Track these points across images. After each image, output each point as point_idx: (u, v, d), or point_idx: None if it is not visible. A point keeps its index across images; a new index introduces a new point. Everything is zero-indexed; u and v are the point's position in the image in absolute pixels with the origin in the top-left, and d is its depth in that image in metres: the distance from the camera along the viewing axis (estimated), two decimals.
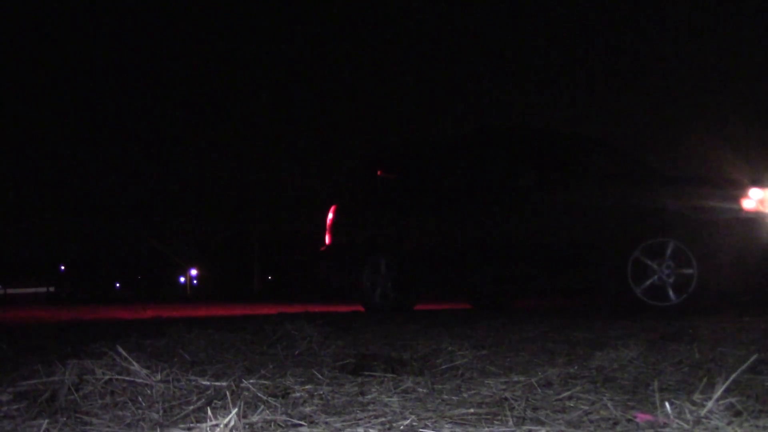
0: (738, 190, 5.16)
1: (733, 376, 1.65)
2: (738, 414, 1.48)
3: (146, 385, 1.82)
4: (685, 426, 1.40)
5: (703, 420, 1.42)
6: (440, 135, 7.52)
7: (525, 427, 1.47)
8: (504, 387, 1.85)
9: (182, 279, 53.30)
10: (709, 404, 1.46)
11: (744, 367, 1.87)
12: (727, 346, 2.61)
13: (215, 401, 1.72)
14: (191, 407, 1.67)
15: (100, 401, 1.76)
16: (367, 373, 2.13)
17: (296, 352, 2.86)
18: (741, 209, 5.07)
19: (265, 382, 1.91)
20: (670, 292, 5.20)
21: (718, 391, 1.49)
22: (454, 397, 1.77)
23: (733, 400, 1.51)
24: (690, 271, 5.11)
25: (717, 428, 1.39)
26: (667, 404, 1.48)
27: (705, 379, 1.86)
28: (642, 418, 1.49)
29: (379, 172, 7.40)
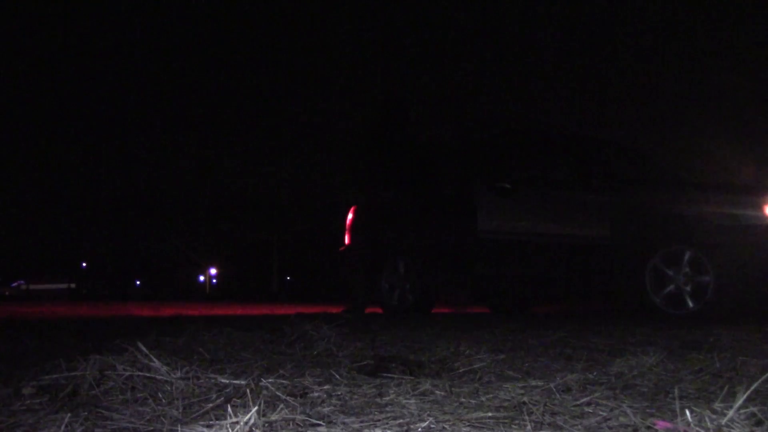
0: (760, 196, 5.11)
1: (755, 385, 1.63)
2: (759, 423, 1.47)
3: (166, 381, 1.83)
4: None
5: (724, 429, 1.41)
6: (460, 136, 7.50)
7: None
8: (522, 391, 1.85)
9: (201, 278, 53.62)
10: (730, 413, 1.45)
11: (765, 376, 1.85)
12: (748, 355, 2.58)
13: (234, 399, 1.74)
14: (211, 405, 1.68)
15: (120, 397, 1.78)
16: (385, 374, 2.14)
17: (314, 353, 2.87)
18: (763, 216, 5.01)
19: (284, 381, 1.92)
20: (688, 300, 5.16)
21: (739, 400, 1.48)
22: (472, 401, 1.77)
23: (754, 409, 1.50)
24: (707, 278, 5.06)
25: None
26: (687, 412, 1.47)
27: (726, 388, 1.85)
28: (662, 425, 1.48)
29: None
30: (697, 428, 1.42)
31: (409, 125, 6.32)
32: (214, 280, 53.26)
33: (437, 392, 1.87)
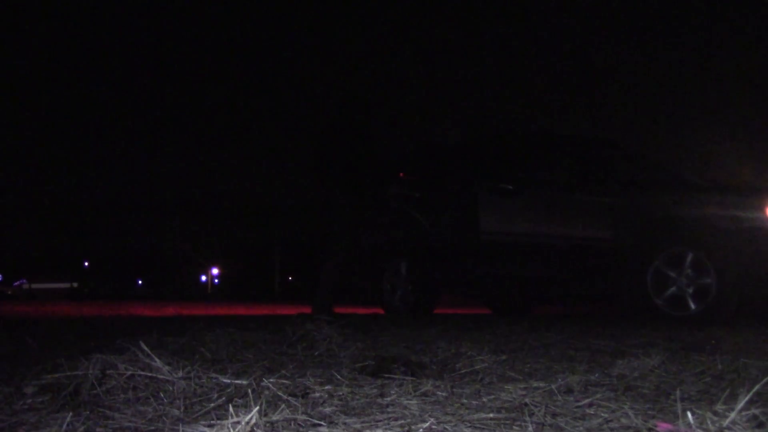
0: (762, 198, 5.10)
1: (757, 387, 1.63)
2: (761, 425, 1.47)
3: (168, 381, 1.83)
4: None
5: (725, 431, 1.41)
6: (462, 137, 7.48)
7: None
8: (524, 392, 1.85)
9: (204, 278, 53.64)
10: (732, 415, 1.45)
11: (767, 378, 1.85)
12: (750, 357, 2.58)
13: (236, 399, 1.74)
14: (212, 404, 1.69)
15: (122, 396, 1.78)
16: (386, 375, 2.14)
17: (316, 353, 2.87)
18: (765, 218, 5.01)
19: (286, 381, 1.92)
20: (690, 302, 5.15)
21: (741, 402, 1.48)
22: (473, 402, 1.77)
23: (756, 411, 1.50)
24: (709, 280, 5.06)
25: None
26: (688, 414, 1.47)
27: (727, 390, 1.85)
28: (663, 427, 1.48)
29: (401, 174, 7.40)
30: (699, 430, 1.42)
31: (371, 125, 6.08)
32: (216, 280, 53.28)
33: (439, 393, 1.87)
